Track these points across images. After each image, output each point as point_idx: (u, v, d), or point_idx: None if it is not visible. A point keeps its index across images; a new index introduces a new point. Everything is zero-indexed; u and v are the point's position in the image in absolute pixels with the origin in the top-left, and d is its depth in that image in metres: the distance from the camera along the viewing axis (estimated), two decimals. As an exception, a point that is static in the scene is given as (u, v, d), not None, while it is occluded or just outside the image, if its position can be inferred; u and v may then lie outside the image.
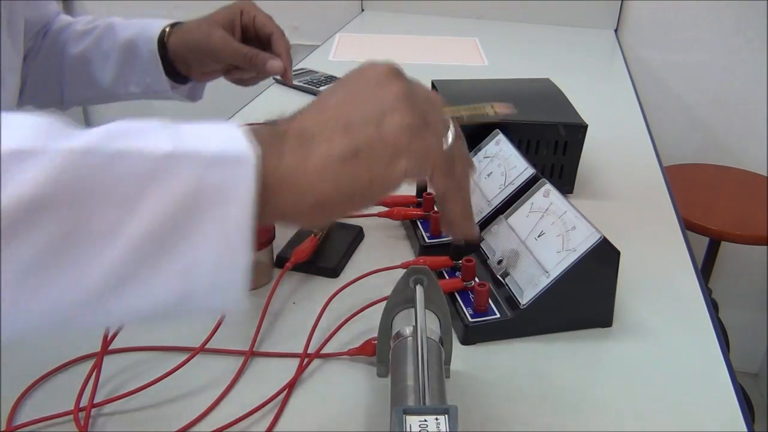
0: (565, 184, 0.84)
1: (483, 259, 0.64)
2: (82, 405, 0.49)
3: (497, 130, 0.74)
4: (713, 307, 0.67)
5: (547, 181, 0.63)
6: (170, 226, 0.32)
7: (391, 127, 0.37)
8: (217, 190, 0.32)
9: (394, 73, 0.40)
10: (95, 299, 0.32)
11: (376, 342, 0.53)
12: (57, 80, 0.84)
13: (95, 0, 1.90)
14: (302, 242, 0.66)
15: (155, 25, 0.80)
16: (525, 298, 0.57)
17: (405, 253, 0.71)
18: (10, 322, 0.31)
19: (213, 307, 0.36)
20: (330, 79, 1.22)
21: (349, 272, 0.66)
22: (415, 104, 0.39)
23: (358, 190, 0.37)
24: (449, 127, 0.41)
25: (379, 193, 0.38)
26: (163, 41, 0.79)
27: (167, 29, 0.80)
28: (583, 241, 0.56)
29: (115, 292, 0.32)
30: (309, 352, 0.56)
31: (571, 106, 0.86)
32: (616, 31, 1.79)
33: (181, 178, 0.32)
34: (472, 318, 0.58)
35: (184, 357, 0.53)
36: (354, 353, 0.55)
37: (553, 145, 0.82)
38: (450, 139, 0.41)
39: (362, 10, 1.92)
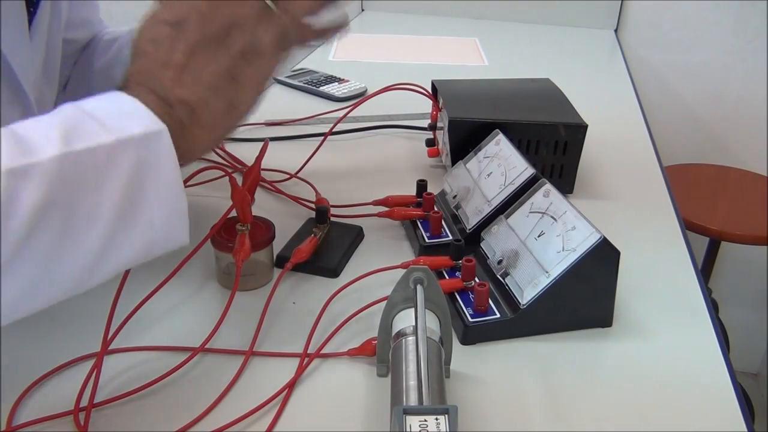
0: (565, 184, 0.84)
1: (483, 259, 0.64)
2: (82, 405, 0.49)
3: (497, 130, 0.74)
4: (713, 307, 0.67)
5: (547, 181, 0.63)
6: (129, 196, 0.42)
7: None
8: (151, 161, 0.43)
9: None
10: (93, 263, 0.42)
11: (376, 342, 0.53)
12: (87, 89, 0.83)
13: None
14: (302, 242, 0.66)
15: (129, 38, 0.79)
16: (525, 298, 0.57)
17: (405, 253, 0.71)
18: (43, 294, 0.42)
19: (169, 247, 0.46)
20: (330, 78, 1.22)
21: (349, 272, 0.66)
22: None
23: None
24: None
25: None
26: None
27: None
28: (583, 241, 0.56)
29: (104, 254, 0.42)
30: (309, 352, 0.56)
31: (571, 106, 0.86)
32: (616, 31, 1.80)
33: (126, 160, 0.42)
34: (472, 318, 0.58)
35: (184, 357, 0.53)
36: (354, 353, 0.55)
37: (553, 145, 0.82)
38: None
39: (362, 10, 1.92)
